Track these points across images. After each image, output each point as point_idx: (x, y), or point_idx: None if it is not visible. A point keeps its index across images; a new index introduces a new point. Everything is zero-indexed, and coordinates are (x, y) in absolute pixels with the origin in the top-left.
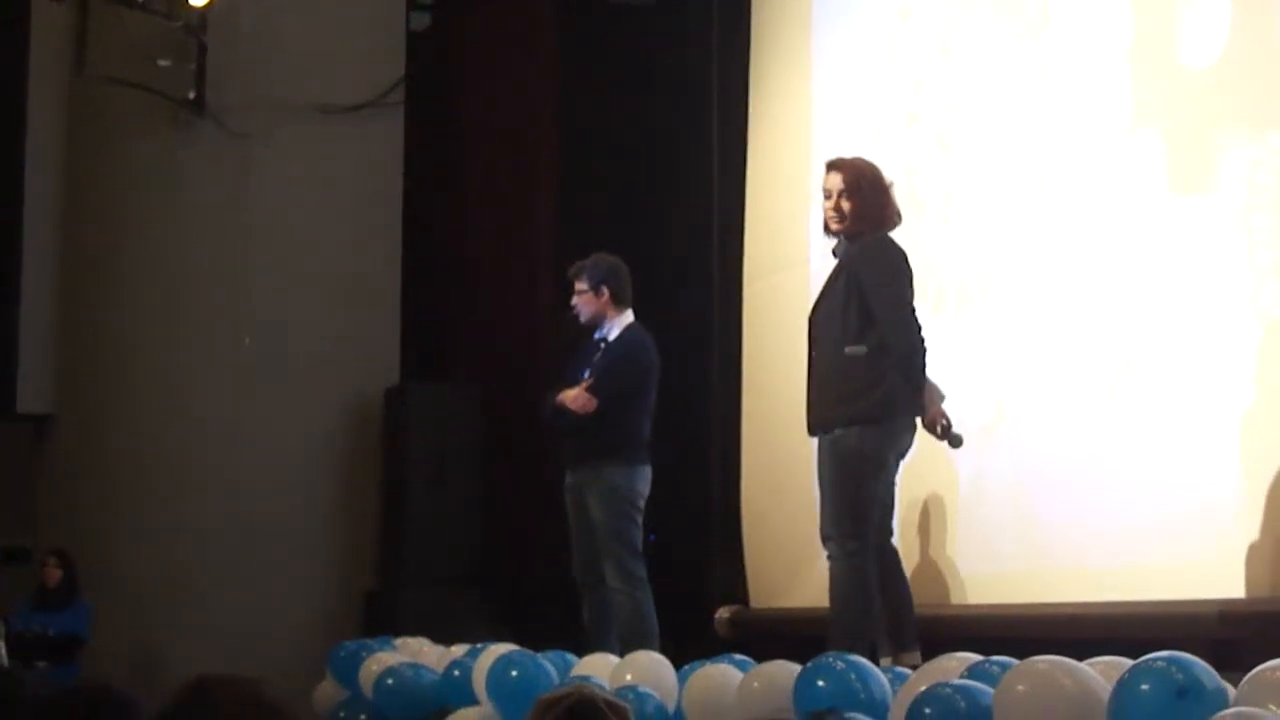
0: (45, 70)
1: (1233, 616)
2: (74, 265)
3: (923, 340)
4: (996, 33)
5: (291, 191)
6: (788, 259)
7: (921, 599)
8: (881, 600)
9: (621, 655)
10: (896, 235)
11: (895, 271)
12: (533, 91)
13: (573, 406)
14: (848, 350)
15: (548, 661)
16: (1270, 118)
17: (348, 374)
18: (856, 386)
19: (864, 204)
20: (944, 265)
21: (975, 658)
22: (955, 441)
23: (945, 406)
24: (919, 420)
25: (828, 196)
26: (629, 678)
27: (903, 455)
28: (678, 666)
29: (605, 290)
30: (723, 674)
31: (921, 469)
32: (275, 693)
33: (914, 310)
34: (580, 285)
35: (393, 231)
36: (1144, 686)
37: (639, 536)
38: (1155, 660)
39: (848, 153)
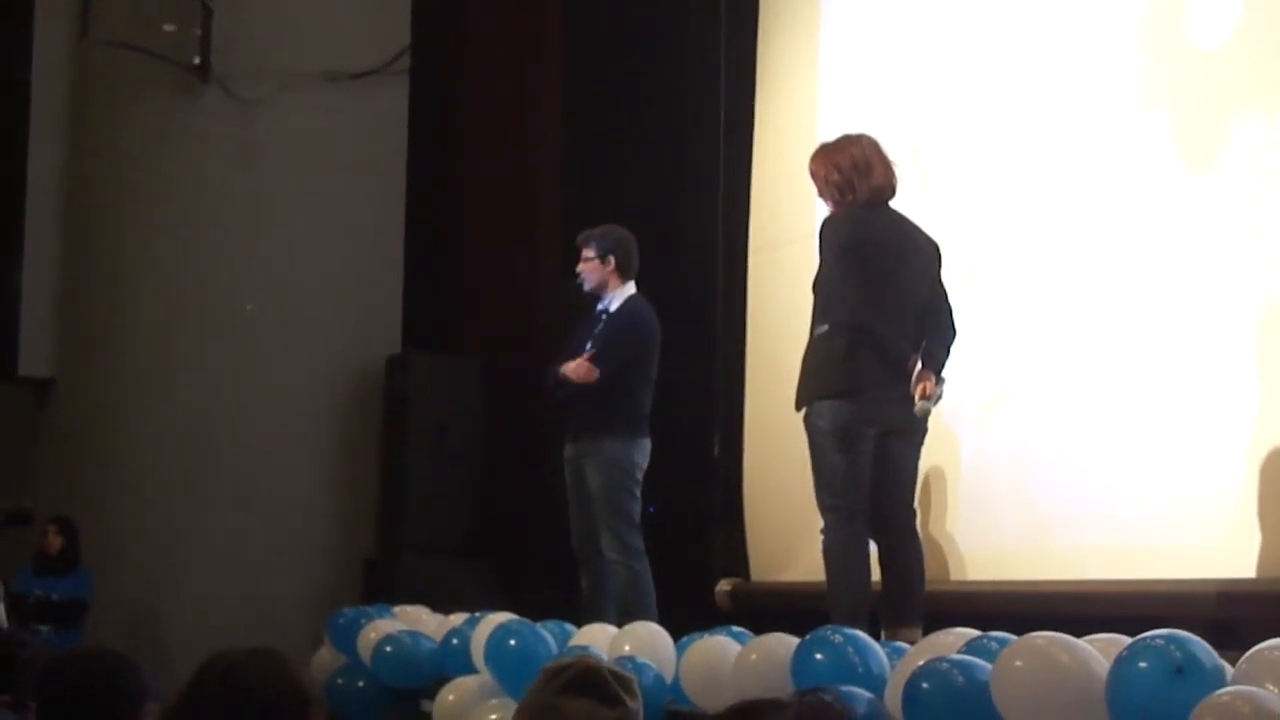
0: (50, 33)
1: (1232, 596)
2: (77, 229)
3: (869, 313)
4: (1006, 9)
5: (295, 158)
6: (792, 233)
7: None
8: (883, 574)
9: (619, 626)
10: (907, 211)
11: (827, 249)
12: (538, 60)
13: (573, 376)
14: (815, 330)
15: (546, 631)
16: None
17: (350, 342)
18: (817, 363)
19: (820, 187)
20: (948, 242)
21: (973, 633)
22: (920, 410)
23: (944, 388)
24: (916, 395)
25: None
26: (627, 648)
27: (897, 432)
28: (677, 638)
29: (612, 260)
30: (721, 646)
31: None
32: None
33: (862, 284)
34: (587, 253)
35: (396, 199)
36: (1142, 664)
37: (637, 509)
38: (1154, 638)
39: (854, 127)
